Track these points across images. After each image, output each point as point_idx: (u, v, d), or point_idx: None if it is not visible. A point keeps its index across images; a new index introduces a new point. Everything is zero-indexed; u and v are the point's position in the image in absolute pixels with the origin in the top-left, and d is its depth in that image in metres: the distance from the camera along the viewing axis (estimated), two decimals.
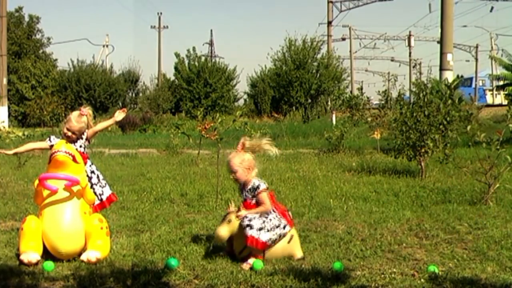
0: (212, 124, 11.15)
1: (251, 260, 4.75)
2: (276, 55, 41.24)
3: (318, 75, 39.41)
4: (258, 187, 4.96)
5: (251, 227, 4.83)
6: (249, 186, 5.00)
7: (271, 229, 4.89)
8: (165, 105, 41.55)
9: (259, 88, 41.89)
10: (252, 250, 4.83)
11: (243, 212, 4.87)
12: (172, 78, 45.41)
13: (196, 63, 42.27)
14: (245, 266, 4.71)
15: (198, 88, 40.84)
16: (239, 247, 4.90)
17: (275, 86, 41.00)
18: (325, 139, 15.36)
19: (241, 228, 4.84)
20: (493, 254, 5.03)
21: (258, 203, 4.95)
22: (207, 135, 10.85)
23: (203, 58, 44.08)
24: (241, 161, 4.96)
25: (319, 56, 40.41)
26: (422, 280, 4.32)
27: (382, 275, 4.44)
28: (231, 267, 4.67)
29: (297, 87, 39.27)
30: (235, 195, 8.14)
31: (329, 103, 37.36)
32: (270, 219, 4.93)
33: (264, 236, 4.84)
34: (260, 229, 4.85)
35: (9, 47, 33.03)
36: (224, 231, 4.82)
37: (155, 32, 55.52)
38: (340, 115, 29.73)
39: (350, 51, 58.46)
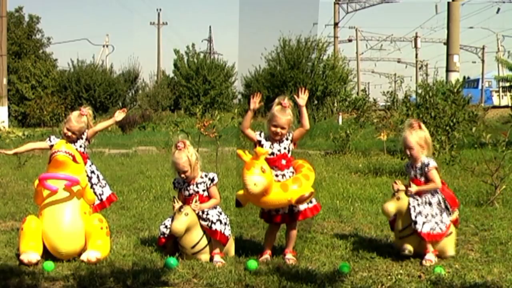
0: (211, 122, 11.11)
1: (219, 257, 4.76)
2: (270, 55, 41.08)
3: (325, 76, 39.24)
4: (213, 179, 4.94)
5: (220, 221, 4.84)
6: (199, 180, 4.94)
7: (227, 222, 4.93)
8: (164, 102, 41.51)
9: (253, 88, 41.74)
10: (217, 245, 4.82)
11: (203, 205, 4.83)
12: (171, 75, 45.39)
13: (195, 60, 42.22)
14: (219, 264, 4.69)
15: (197, 85, 40.77)
16: (192, 242, 4.80)
17: (269, 86, 40.81)
18: (331, 140, 15.29)
19: (202, 221, 4.80)
20: (499, 256, 4.99)
21: (211, 196, 4.93)
22: (206, 133, 10.81)
23: (201, 55, 44.10)
24: (189, 159, 4.89)
25: (325, 57, 40.26)
26: (428, 281, 4.27)
27: (389, 277, 4.40)
28: (230, 266, 4.64)
29: (291, 87, 39.09)
30: (233, 192, 8.08)
31: (335, 104, 37.27)
32: (221, 213, 4.95)
33: (227, 231, 4.88)
34: (225, 223, 4.88)
35: (9, 47, 32.96)
36: (182, 225, 4.70)
37: (154, 29, 55.46)
38: (346, 117, 29.70)
39: (357, 53, 58.25)
